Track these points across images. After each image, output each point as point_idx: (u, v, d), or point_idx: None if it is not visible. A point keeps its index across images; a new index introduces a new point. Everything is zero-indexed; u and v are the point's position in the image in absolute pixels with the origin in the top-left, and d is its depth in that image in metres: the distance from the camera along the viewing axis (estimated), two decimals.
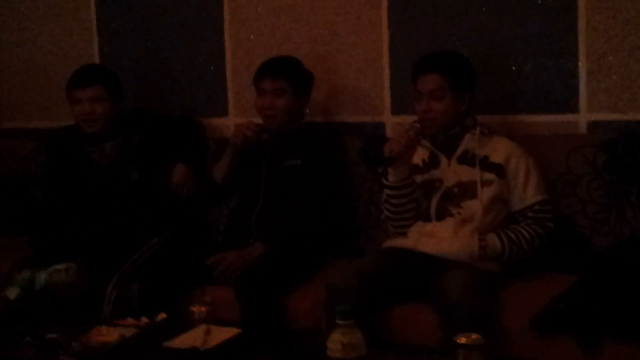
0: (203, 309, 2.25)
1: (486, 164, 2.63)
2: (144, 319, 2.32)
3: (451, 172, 2.67)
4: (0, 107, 4.10)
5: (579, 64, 2.88)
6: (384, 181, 2.70)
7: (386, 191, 2.70)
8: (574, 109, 2.91)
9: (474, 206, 2.60)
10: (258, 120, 3.07)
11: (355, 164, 3.08)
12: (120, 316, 2.42)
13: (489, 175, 2.62)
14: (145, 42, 3.71)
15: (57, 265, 2.58)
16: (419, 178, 2.71)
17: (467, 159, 2.66)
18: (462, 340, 1.78)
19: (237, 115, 3.51)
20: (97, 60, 3.80)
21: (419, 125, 2.64)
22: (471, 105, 2.72)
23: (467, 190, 2.62)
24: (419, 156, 2.73)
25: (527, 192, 2.61)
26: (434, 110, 2.64)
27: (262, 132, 3.01)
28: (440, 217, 2.64)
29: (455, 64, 2.70)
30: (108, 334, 2.18)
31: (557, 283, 2.48)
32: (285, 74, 3.00)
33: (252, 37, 3.46)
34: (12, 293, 2.46)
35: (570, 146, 2.75)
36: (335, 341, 1.79)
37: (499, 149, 2.66)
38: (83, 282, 2.60)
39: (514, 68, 2.98)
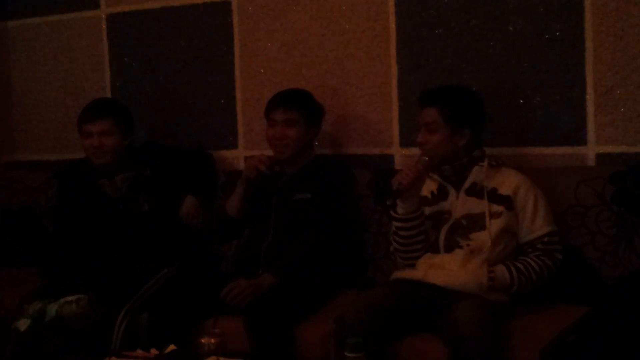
0: (212, 340, 2.25)
1: (494, 196, 2.64)
2: (154, 351, 2.32)
3: (460, 204, 2.68)
4: (13, 139, 4.14)
5: (587, 96, 2.90)
6: (393, 213, 2.71)
7: (395, 223, 2.71)
8: (582, 142, 2.92)
9: (482, 238, 2.60)
10: (269, 152, 3.10)
11: (365, 196, 3.10)
12: (129, 347, 2.42)
13: (497, 207, 2.62)
14: (156, 76, 3.75)
15: (67, 296, 2.59)
16: (427, 210, 2.72)
17: (475, 191, 2.67)
18: None
19: (247, 147, 3.54)
20: (108, 94, 3.85)
21: (427, 158, 2.66)
22: (478, 138, 2.73)
23: (475, 222, 2.63)
24: (428, 188, 2.74)
25: (535, 224, 2.61)
26: (428, 142, 2.68)
27: (274, 165, 3.03)
28: (449, 248, 2.65)
29: (453, 99, 2.71)
30: None
31: (566, 314, 2.47)
32: (297, 105, 3.03)
33: (262, 71, 3.50)
34: (23, 324, 2.46)
35: (579, 178, 2.76)
36: None
37: (508, 181, 2.67)
38: (93, 314, 2.60)
39: (522, 101, 3.00)
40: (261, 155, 3.04)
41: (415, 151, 2.96)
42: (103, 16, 3.86)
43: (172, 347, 2.33)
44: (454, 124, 2.66)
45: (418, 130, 2.72)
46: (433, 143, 2.66)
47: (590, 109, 2.90)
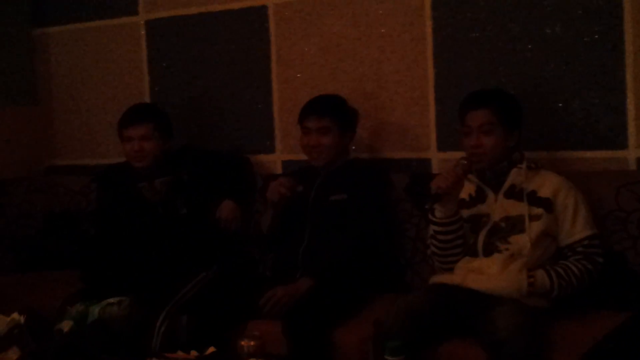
0: (251, 342, 2.26)
1: (534, 199, 2.62)
2: (194, 352, 2.34)
3: (498, 207, 2.66)
4: (54, 144, 4.21)
5: (627, 100, 2.87)
6: (431, 217, 2.70)
7: (433, 227, 2.71)
8: (623, 145, 2.89)
9: (522, 241, 2.58)
10: (300, 157, 3.11)
11: (402, 200, 3.09)
12: (169, 349, 2.45)
13: (537, 210, 2.60)
14: (194, 81, 3.79)
15: (109, 298, 2.62)
16: (465, 213, 2.71)
17: (514, 193, 2.65)
18: None
19: (284, 152, 3.56)
20: (147, 99, 3.89)
21: (466, 162, 2.65)
22: (518, 141, 2.72)
23: (514, 225, 2.61)
24: (466, 191, 2.73)
25: (576, 227, 2.59)
26: (484, 145, 2.65)
27: (296, 186, 3.03)
28: (488, 252, 2.63)
29: (503, 101, 2.72)
30: None
31: (607, 320, 2.44)
32: (329, 112, 3.04)
33: (298, 75, 3.52)
34: (66, 326, 2.50)
35: (620, 182, 2.73)
36: None
37: (547, 184, 2.65)
38: (134, 316, 2.64)
39: (561, 104, 2.98)
40: (282, 179, 3.05)
41: (453, 155, 2.95)
42: (142, 22, 3.91)
43: (211, 349, 2.35)
44: (507, 125, 2.65)
45: (467, 134, 2.69)
46: (489, 145, 2.64)
47: (630, 112, 2.87)
